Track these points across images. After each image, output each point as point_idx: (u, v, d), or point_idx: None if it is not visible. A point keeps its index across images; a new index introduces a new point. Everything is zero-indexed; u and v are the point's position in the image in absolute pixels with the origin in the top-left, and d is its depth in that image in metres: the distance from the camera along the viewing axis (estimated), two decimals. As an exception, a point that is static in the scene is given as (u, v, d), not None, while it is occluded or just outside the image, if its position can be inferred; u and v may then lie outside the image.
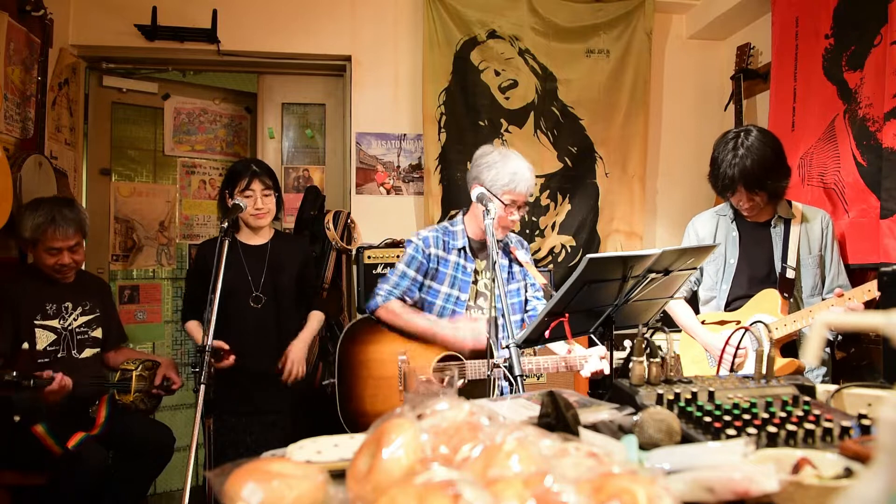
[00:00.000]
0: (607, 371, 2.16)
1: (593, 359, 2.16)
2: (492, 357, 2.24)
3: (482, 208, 2.19)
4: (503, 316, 2.39)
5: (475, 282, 2.41)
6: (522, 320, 2.46)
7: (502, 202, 2.26)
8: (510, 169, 2.26)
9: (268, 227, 2.77)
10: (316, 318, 2.81)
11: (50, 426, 2.26)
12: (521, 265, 2.45)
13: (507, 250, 2.46)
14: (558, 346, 2.36)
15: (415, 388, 1.13)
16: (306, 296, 2.83)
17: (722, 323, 2.46)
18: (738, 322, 2.40)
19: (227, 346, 2.46)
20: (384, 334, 2.41)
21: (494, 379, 2.25)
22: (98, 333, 2.65)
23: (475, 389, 2.29)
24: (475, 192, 2.27)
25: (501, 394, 2.37)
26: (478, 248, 2.43)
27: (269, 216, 2.68)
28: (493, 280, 2.01)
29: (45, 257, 2.46)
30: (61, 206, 2.51)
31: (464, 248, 2.39)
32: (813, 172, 2.93)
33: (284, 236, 2.91)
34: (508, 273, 2.46)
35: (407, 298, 2.39)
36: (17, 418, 2.19)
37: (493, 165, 2.29)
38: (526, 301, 2.48)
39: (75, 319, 2.58)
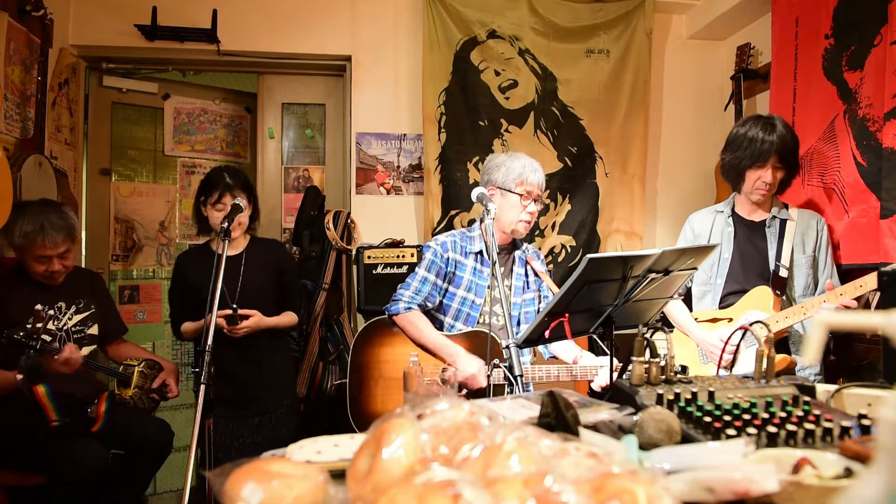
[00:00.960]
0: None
1: (604, 371, 2.16)
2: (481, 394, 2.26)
3: (511, 221, 2.32)
4: (517, 325, 2.42)
5: (490, 286, 2.42)
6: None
7: (518, 194, 2.33)
8: (520, 163, 2.36)
9: (242, 236, 2.75)
10: (286, 315, 2.78)
11: (52, 390, 2.24)
12: (537, 275, 2.47)
13: (523, 258, 2.48)
14: (566, 354, 2.36)
15: (416, 388, 1.13)
16: (287, 302, 2.81)
17: (714, 320, 2.48)
18: (731, 319, 2.42)
19: (236, 310, 2.52)
20: (397, 337, 2.42)
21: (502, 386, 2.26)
22: (94, 330, 2.65)
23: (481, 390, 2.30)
24: (476, 193, 2.27)
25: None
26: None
27: (241, 229, 2.67)
28: (494, 277, 2.03)
29: (34, 265, 2.42)
30: (48, 212, 2.41)
31: (480, 252, 2.42)
32: (813, 172, 2.93)
33: (261, 243, 2.85)
34: (525, 282, 2.48)
35: (429, 304, 2.41)
36: (19, 377, 2.18)
37: (503, 164, 2.37)
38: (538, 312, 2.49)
39: (70, 319, 2.57)
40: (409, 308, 2.37)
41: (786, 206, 2.52)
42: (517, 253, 2.48)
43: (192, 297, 2.64)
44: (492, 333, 2.33)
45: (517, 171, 2.33)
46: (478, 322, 2.41)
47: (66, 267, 2.50)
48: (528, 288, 2.48)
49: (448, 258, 2.39)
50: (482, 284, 2.41)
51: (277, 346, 2.81)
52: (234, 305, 2.59)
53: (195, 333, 2.68)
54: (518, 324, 2.44)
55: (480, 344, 2.34)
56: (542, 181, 2.39)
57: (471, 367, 2.23)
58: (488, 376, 2.20)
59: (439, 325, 2.44)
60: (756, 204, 2.50)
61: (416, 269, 2.43)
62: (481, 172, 2.49)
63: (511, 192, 2.33)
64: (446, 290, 2.41)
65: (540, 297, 2.50)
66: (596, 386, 2.16)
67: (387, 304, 2.44)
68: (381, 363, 2.41)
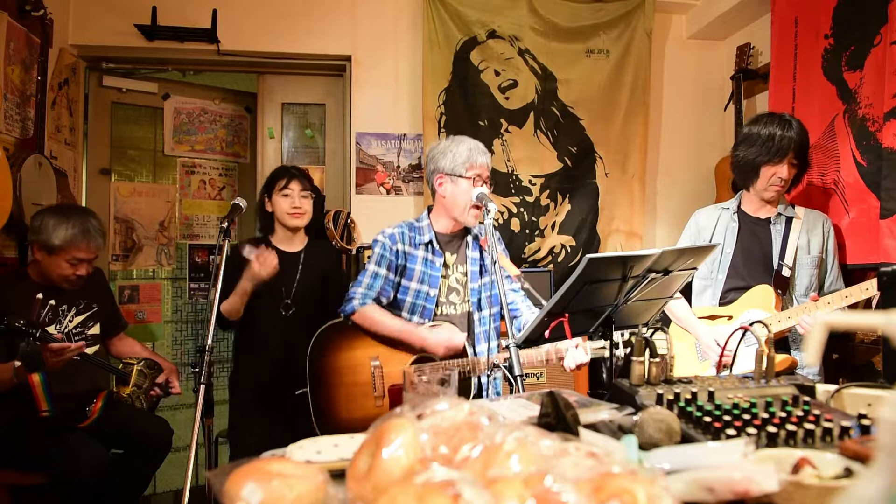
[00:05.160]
0: (585, 360, 2.15)
1: (571, 351, 2.15)
2: (465, 355, 2.26)
3: (465, 208, 2.28)
4: (479, 311, 2.41)
5: (445, 276, 2.39)
6: (501, 315, 2.45)
7: (468, 178, 2.29)
8: (465, 146, 2.32)
9: (302, 234, 2.80)
10: None
11: (46, 379, 2.23)
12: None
13: (477, 242, 2.44)
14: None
15: (412, 387, 1.13)
16: (333, 304, 2.82)
17: (713, 317, 2.48)
18: (730, 317, 2.42)
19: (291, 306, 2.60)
20: (354, 340, 2.36)
21: (475, 377, 2.26)
22: (96, 329, 2.65)
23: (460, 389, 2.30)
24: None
25: (484, 392, 2.37)
26: (445, 242, 2.41)
27: (306, 217, 2.72)
28: (493, 277, 2.02)
29: (63, 266, 2.43)
30: (89, 216, 2.52)
31: (430, 242, 2.38)
32: (813, 172, 2.93)
33: (318, 244, 2.92)
34: (480, 266, 2.43)
35: (383, 299, 2.37)
36: (17, 363, 2.18)
37: (447, 150, 2.34)
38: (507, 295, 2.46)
39: (71, 321, 2.57)
40: (364, 304, 2.33)
41: (792, 205, 2.52)
42: (469, 238, 2.44)
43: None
44: (452, 322, 2.33)
45: (464, 154, 2.30)
46: (434, 315, 2.37)
47: (88, 273, 2.53)
48: (485, 272, 2.43)
49: (397, 250, 2.35)
50: (435, 275, 2.37)
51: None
52: (288, 301, 2.63)
53: (231, 308, 2.61)
54: (479, 308, 2.41)
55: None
56: (490, 162, 2.36)
57: (442, 335, 2.24)
58: (488, 372, 2.21)
59: None
60: (767, 202, 2.49)
61: (367, 265, 2.39)
62: (426, 163, 2.43)
63: (462, 177, 2.29)
64: (399, 284, 2.37)
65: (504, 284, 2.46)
66: (571, 363, 2.15)
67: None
68: (342, 368, 2.36)
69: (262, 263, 2.47)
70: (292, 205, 2.66)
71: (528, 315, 2.38)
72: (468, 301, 2.41)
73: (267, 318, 2.65)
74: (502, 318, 2.43)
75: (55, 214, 2.45)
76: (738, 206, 2.57)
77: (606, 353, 2.12)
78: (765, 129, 2.37)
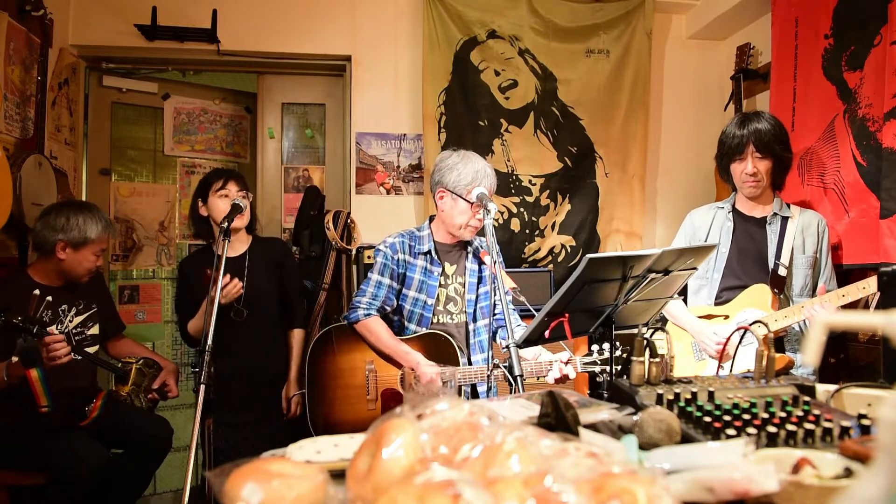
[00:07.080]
0: (572, 375, 2.16)
1: (557, 366, 2.16)
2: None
3: (460, 226, 2.30)
4: (474, 321, 2.43)
5: (443, 286, 2.41)
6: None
7: (469, 202, 2.28)
8: (472, 168, 2.29)
9: (244, 235, 2.76)
10: (297, 342, 2.81)
11: (45, 375, 2.23)
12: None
13: (476, 255, 2.47)
14: (527, 352, 2.31)
15: (411, 389, 1.13)
16: (289, 305, 2.83)
17: (709, 317, 2.48)
18: (727, 317, 2.42)
19: (244, 312, 2.62)
20: (353, 344, 2.40)
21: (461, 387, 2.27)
22: (95, 330, 2.66)
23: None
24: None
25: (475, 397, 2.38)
26: (445, 253, 2.43)
27: (245, 218, 2.69)
28: (495, 279, 2.02)
29: (91, 259, 2.54)
30: (99, 210, 2.63)
31: (429, 251, 2.39)
32: (813, 172, 2.93)
33: (262, 242, 2.87)
34: (479, 277, 2.46)
35: (387, 307, 2.39)
36: (14, 359, 2.18)
37: (455, 167, 2.31)
38: (495, 305, 2.47)
39: (71, 321, 2.57)
40: (369, 314, 2.35)
41: (787, 205, 2.52)
42: (469, 249, 2.46)
43: (199, 301, 2.64)
44: (445, 334, 2.35)
45: (469, 177, 2.27)
46: (431, 323, 2.39)
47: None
48: (483, 283, 2.45)
49: (398, 259, 2.37)
50: (433, 285, 2.39)
51: (280, 351, 2.82)
52: (240, 307, 2.62)
53: (198, 327, 2.66)
54: (475, 319, 2.44)
55: (435, 346, 2.35)
56: (495, 186, 2.34)
57: (433, 369, 2.25)
58: (488, 372, 2.21)
59: (394, 328, 2.42)
60: (752, 199, 2.50)
61: (370, 274, 2.40)
62: (432, 170, 2.43)
63: (462, 198, 2.28)
64: (399, 292, 2.39)
65: (495, 289, 2.46)
66: (550, 379, 2.16)
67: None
68: (339, 371, 2.41)
69: (225, 294, 2.47)
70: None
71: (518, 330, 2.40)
72: (465, 311, 2.43)
73: (221, 327, 2.62)
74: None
75: (77, 211, 2.52)
76: (733, 206, 2.57)
77: (597, 368, 2.13)
78: (725, 131, 2.49)
